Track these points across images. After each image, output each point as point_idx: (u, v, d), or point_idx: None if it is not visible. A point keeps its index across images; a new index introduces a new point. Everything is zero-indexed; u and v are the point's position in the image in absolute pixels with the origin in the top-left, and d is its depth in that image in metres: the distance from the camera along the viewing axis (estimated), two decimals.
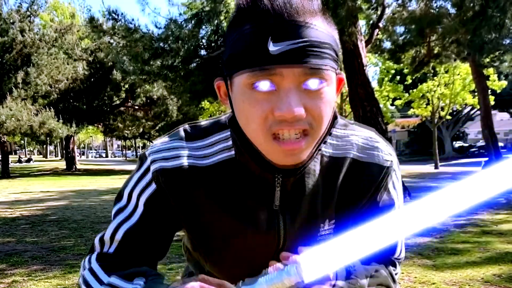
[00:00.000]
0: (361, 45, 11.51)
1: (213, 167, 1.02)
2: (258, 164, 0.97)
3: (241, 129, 0.93)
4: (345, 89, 23.14)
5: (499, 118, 57.27)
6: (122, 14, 13.32)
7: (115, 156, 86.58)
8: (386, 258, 1.10)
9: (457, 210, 0.86)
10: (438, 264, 5.48)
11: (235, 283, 1.00)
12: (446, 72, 25.40)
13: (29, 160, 55.50)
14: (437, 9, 12.22)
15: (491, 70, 20.45)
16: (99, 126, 38.21)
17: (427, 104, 27.75)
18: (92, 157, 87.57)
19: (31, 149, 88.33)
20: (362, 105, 11.50)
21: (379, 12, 12.37)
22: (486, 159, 21.82)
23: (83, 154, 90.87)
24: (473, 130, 59.79)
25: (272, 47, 0.80)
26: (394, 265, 1.12)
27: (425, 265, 5.43)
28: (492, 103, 23.14)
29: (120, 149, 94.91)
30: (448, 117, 29.94)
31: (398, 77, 27.67)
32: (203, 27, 13.72)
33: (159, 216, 1.05)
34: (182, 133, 1.07)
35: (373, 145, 1.07)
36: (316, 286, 0.86)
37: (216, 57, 13.44)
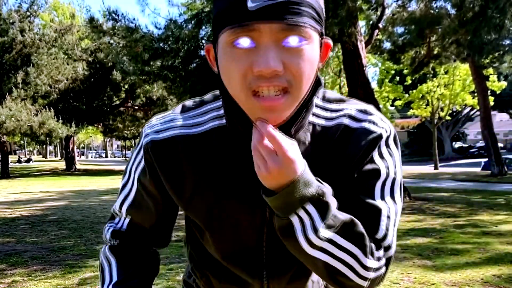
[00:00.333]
0: (361, 45, 11.52)
1: (202, 135, 1.03)
2: (245, 129, 0.95)
3: (229, 94, 0.93)
4: (345, 89, 23.17)
5: (499, 118, 57.32)
6: (122, 14, 13.33)
7: (114, 156, 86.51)
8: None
9: None
10: (437, 264, 5.49)
11: (228, 260, 1.08)
12: (446, 72, 25.43)
13: (28, 160, 55.51)
14: (437, 10, 12.23)
15: (490, 70, 20.46)
16: (99, 126, 38.22)
17: (427, 104, 27.77)
18: (91, 157, 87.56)
19: (31, 149, 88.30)
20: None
21: (379, 13, 12.37)
22: (486, 159, 21.84)
23: (83, 154, 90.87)
24: (473, 130, 59.84)
25: (250, 3, 0.81)
26: (377, 247, 0.96)
27: (425, 266, 5.44)
28: (492, 103, 23.17)
29: (120, 149, 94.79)
30: (448, 117, 29.95)
31: (397, 78, 27.69)
32: (203, 27, 13.72)
33: (151, 192, 1.08)
34: (180, 106, 1.09)
35: (366, 115, 1.03)
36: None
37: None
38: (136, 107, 33.82)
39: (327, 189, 0.90)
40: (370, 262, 0.93)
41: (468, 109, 37.10)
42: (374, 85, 26.20)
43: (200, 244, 1.14)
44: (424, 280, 4.85)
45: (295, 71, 0.85)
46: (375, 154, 1.00)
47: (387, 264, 0.98)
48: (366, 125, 1.01)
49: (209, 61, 0.99)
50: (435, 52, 14.52)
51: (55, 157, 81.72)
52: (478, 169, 23.31)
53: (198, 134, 1.03)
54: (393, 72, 26.73)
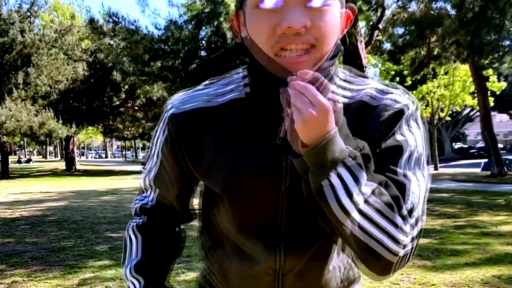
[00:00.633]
0: (361, 46, 11.52)
1: (223, 106, 1.05)
2: (269, 96, 0.97)
3: (256, 60, 0.97)
4: None
5: (499, 119, 57.32)
6: (122, 16, 13.35)
7: (114, 157, 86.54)
8: None
9: None
10: (437, 265, 5.49)
11: (244, 231, 1.05)
12: (446, 73, 25.43)
13: (28, 161, 55.52)
14: (437, 11, 12.25)
15: (490, 71, 20.46)
16: (99, 126, 38.25)
17: (427, 105, 27.78)
18: (91, 157, 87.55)
19: (31, 150, 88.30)
20: None
21: (379, 14, 12.38)
22: (486, 160, 21.85)
23: (83, 155, 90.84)
24: (473, 131, 59.87)
25: None
26: (405, 222, 0.92)
27: (425, 266, 5.44)
28: (492, 104, 23.17)
29: (120, 149, 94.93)
30: (448, 118, 29.96)
31: (397, 78, 27.70)
32: (203, 28, 13.74)
33: (172, 163, 1.12)
34: (207, 81, 1.13)
35: (388, 91, 1.02)
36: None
37: (216, 58, 13.46)
38: (136, 108, 33.85)
39: (367, 149, 0.89)
40: (401, 236, 0.91)
41: (468, 110, 37.12)
42: None
43: (215, 224, 1.14)
44: (424, 281, 4.85)
45: (320, 31, 0.88)
46: (397, 130, 0.98)
47: (416, 239, 0.95)
48: (386, 102, 1.01)
49: (234, 31, 1.02)
50: (435, 52, 14.54)
51: (55, 157, 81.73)
52: (478, 170, 23.31)
53: (219, 105, 1.05)
54: (393, 73, 26.74)
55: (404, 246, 0.92)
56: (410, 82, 25.50)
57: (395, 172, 0.94)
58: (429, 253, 6.07)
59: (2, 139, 28.36)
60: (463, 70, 24.04)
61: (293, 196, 1.00)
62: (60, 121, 25.38)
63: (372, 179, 0.89)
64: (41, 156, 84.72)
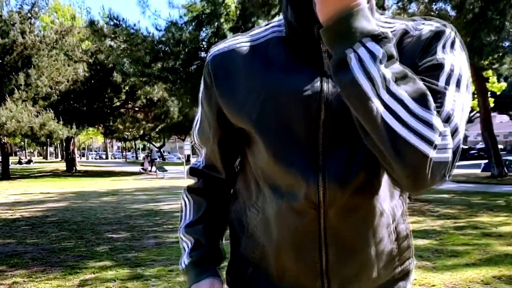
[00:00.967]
0: None
1: (260, 44, 1.07)
2: (305, 30, 0.99)
3: None
4: None
5: (499, 120, 57.32)
6: (123, 19, 13.37)
7: (115, 158, 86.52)
8: None
9: None
10: (438, 266, 5.49)
11: (280, 160, 1.01)
12: None
13: (29, 162, 55.52)
14: (437, 11, 12.26)
15: (490, 72, 20.44)
16: (99, 127, 38.25)
17: None
18: (92, 158, 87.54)
19: (31, 151, 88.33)
20: None
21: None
22: (486, 161, 21.83)
23: (83, 156, 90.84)
24: (473, 132, 59.86)
25: None
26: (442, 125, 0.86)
27: (425, 267, 5.44)
28: (492, 105, 23.15)
29: (120, 150, 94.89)
30: None
31: None
32: (204, 29, 13.76)
33: (208, 108, 1.15)
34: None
35: (428, 20, 1.03)
36: None
37: None
38: (137, 109, 33.85)
39: (391, 35, 0.85)
40: (431, 134, 0.82)
41: None
42: None
43: (252, 172, 1.13)
44: (425, 282, 4.85)
45: None
46: (438, 50, 0.96)
47: (454, 153, 0.87)
48: (426, 27, 1.00)
49: None
50: None
51: (56, 158, 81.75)
52: (478, 171, 23.29)
53: (257, 44, 1.07)
54: None
55: (436, 147, 0.82)
56: None
57: (435, 84, 0.90)
58: (429, 254, 6.07)
59: (3, 140, 28.37)
60: None
61: (330, 122, 0.97)
62: (61, 122, 25.40)
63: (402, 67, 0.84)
64: (41, 157, 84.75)
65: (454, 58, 0.94)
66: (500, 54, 14.54)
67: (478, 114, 25.54)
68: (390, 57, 0.82)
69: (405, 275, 1.18)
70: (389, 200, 1.06)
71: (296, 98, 0.98)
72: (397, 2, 12.78)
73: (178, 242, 1.32)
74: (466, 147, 47.71)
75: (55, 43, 26.41)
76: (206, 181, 1.27)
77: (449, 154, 0.85)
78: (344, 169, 0.98)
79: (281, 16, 1.08)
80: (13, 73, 24.61)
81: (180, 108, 29.70)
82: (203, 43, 13.92)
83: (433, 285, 4.74)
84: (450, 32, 0.98)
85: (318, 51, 0.99)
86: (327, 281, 1.05)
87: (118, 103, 33.13)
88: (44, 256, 6.46)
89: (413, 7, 12.60)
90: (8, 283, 5.19)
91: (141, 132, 39.54)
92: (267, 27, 1.11)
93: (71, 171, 34.52)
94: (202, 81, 1.13)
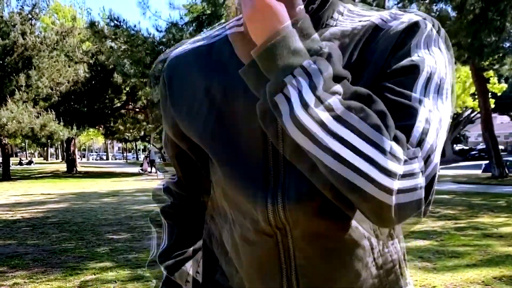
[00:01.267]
0: None
1: (216, 43, 0.96)
2: None
3: None
4: None
5: (500, 121, 57.30)
6: (124, 20, 13.39)
7: (115, 159, 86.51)
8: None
9: None
10: (438, 267, 5.48)
11: (233, 177, 0.87)
12: None
13: (30, 163, 55.52)
14: (437, 12, 12.26)
15: (491, 73, 20.46)
16: (100, 128, 38.26)
17: None
18: (92, 159, 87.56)
19: (32, 152, 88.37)
20: None
21: None
22: (487, 162, 21.83)
23: (84, 157, 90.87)
24: (474, 133, 59.86)
25: None
26: (404, 148, 0.71)
27: (426, 268, 5.43)
28: (492, 106, 23.17)
29: (121, 151, 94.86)
30: None
31: None
32: (204, 30, 13.77)
33: (167, 126, 1.03)
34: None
35: (403, 12, 0.87)
36: None
37: None
38: (137, 110, 33.87)
39: (335, 52, 0.72)
40: (392, 164, 0.68)
41: (468, 111, 37.12)
42: None
43: (213, 189, 1.01)
44: (425, 283, 4.85)
45: None
46: (413, 49, 0.81)
47: (429, 185, 0.73)
48: (399, 20, 0.85)
49: None
50: None
51: (56, 159, 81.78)
52: (479, 172, 23.29)
53: (213, 43, 0.96)
54: None
55: (397, 191, 0.69)
56: None
57: (407, 97, 0.76)
58: (430, 255, 6.07)
59: (4, 141, 28.38)
60: (464, 71, 24.05)
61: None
62: (61, 123, 25.42)
63: (347, 92, 0.70)
64: (42, 158, 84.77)
65: (434, 59, 0.80)
66: (501, 55, 14.53)
67: (479, 115, 25.55)
68: (336, 78, 0.70)
69: None
70: (368, 221, 0.83)
71: (250, 104, 0.81)
72: (398, 3, 12.78)
73: None
74: (467, 147, 47.72)
75: (55, 44, 26.44)
76: (178, 201, 1.15)
77: (418, 192, 0.71)
78: (308, 186, 0.80)
79: None
80: (14, 74, 24.63)
81: None
82: None
83: (434, 286, 4.74)
84: (429, 26, 0.84)
85: None
86: None
87: (118, 104, 33.16)
88: (45, 257, 6.46)
89: (413, 8, 12.59)
90: (9, 284, 5.19)
91: (142, 133, 39.55)
92: (228, 23, 0.99)
93: (71, 172, 34.52)
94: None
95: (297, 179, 0.82)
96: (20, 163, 53.35)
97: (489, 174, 19.86)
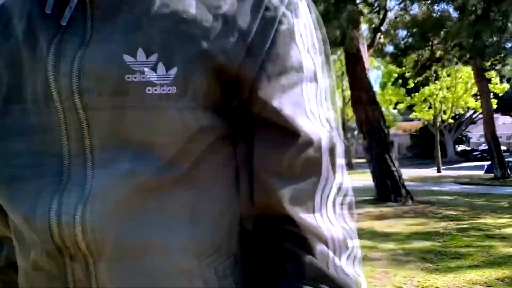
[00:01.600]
0: (363, 48, 11.53)
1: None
2: None
3: None
4: (347, 92, 23.18)
5: (502, 121, 57.20)
6: None
7: None
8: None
9: None
10: (441, 268, 5.46)
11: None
12: (448, 75, 25.42)
13: None
14: (439, 13, 12.25)
15: (493, 73, 20.45)
16: None
17: (429, 107, 27.75)
18: None
19: None
20: (364, 108, 11.51)
21: (381, 16, 12.40)
22: (489, 162, 21.80)
23: None
24: (476, 133, 59.78)
25: None
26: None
27: (428, 269, 5.42)
28: (495, 106, 23.14)
29: None
30: (451, 120, 29.92)
31: (400, 81, 27.67)
32: None
33: None
34: None
35: None
36: None
37: None
38: None
39: None
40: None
41: (470, 112, 37.09)
42: (376, 88, 26.24)
43: None
44: (427, 284, 4.83)
45: None
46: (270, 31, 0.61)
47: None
48: None
49: None
50: (438, 55, 14.54)
51: None
52: (481, 172, 23.23)
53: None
54: (395, 75, 26.75)
55: None
56: (412, 85, 25.50)
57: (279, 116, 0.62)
58: (432, 256, 6.05)
59: None
60: (466, 72, 24.03)
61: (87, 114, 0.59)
62: None
63: None
64: None
65: (301, 52, 0.64)
66: (503, 55, 14.52)
67: (481, 116, 25.54)
68: None
69: None
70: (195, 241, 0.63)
71: (34, 65, 0.61)
72: (399, 3, 12.77)
73: None
74: (469, 148, 47.70)
75: None
76: None
77: None
78: (103, 192, 0.58)
79: None
80: None
81: None
82: None
83: (436, 287, 4.72)
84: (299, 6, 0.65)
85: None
86: None
87: None
88: None
89: (415, 8, 12.59)
90: None
91: None
92: None
93: None
94: None
95: (100, 184, 0.58)
96: None
97: (492, 175, 19.82)
